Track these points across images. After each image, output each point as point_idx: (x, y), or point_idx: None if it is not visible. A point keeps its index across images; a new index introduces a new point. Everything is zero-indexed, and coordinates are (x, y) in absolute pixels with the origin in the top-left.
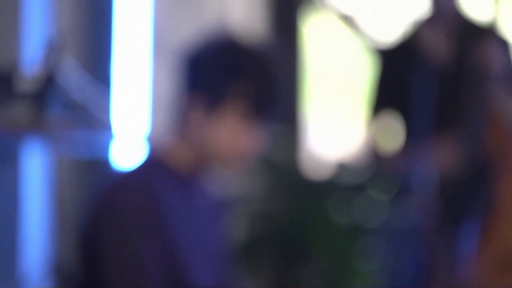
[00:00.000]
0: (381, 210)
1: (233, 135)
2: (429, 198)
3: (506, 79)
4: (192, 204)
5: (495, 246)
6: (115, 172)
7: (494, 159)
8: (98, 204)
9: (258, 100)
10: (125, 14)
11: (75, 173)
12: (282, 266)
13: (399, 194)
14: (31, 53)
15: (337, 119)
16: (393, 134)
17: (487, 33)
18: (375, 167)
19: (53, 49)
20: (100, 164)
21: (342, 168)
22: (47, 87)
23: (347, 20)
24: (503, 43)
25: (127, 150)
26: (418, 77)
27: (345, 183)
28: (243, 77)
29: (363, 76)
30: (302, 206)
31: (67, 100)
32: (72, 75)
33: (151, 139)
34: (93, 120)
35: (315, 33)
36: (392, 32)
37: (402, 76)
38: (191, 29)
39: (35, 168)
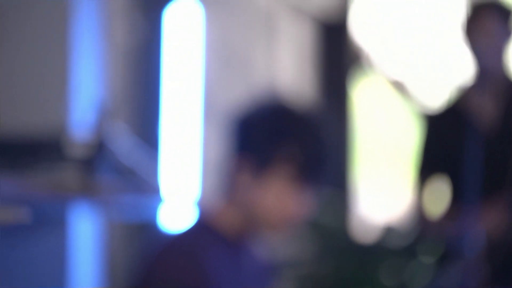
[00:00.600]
0: (429, 274)
1: (280, 199)
2: (477, 262)
3: None
4: (240, 268)
5: None
6: (164, 235)
7: None
8: (146, 268)
9: (306, 165)
10: (174, 77)
11: (125, 237)
12: None
13: (446, 258)
14: (80, 118)
15: (385, 182)
16: (441, 198)
17: None
18: (423, 230)
19: (104, 115)
20: (149, 227)
21: (390, 231)
22: (98, 153)
23: (397, 85)
24: None
25: (177, 214)
26: (466, 141)
27: (393, 247)
28: (292, 141)
29: (411, 140)
30: (350, 269)
31: (117, 165)
32: (122, 140)
33: (201, 202)
34: (143, 184)
35: (364, 97)
36: (439, 96)
37: (449, 140)
38: (241, 92)
39: (85, 232)
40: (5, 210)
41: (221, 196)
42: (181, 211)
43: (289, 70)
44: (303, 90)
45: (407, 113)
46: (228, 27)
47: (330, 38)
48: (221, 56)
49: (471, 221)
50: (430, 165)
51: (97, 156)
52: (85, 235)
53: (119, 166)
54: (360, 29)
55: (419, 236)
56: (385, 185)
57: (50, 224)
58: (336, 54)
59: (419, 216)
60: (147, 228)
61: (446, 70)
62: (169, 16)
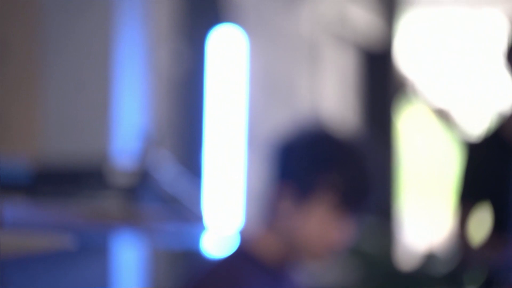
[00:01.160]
0: None
1: (322, 227)
2: None
3: None
4: None
5: None
6: (206, 263)
7: None
8: None
9: (348, 193)
10: (218, 105)
11: (168, 265)
12: None
13: (489, 286)
14: (123, 146)
15: (429, 210)
16: (483, 225)
17: None
18: (466, 258)
19: (148, 143)
20: (193, 256)
21: (433, 258)
22: (142, 181)
23: (441, 113)
24: None
25: (220, 242)
26: (508, 168)
27: (436, 274)
28: (334, 169)
29: (453, 167)
30: None
31: (161, 193)
32: (165, 168)
33: (243, 230)
34: (186, 212)
35: (409, 125)
36: (481, 124)
37: (491, 167)
38: (284, 120)
39: (128, 260)
40: (49, 238)
41: (263, 224)
42: (224, 239)
43: (332, 99)
44: (346, 118)
45: (450, 141)
46: (272, 55)
47: (374, 66)
48: (265, 84)
49: None
50: (472, 192)
51: (141, 184)
52: (128, 263)
53: (163, 194)
54: (405, 58)
55: (461, 264)
56: (428, 213)
57: (94, 252)
58: (380, 82)
59: (462, 244)
60: (190, 256)
61: (488, 97)
62: (212, 44)
